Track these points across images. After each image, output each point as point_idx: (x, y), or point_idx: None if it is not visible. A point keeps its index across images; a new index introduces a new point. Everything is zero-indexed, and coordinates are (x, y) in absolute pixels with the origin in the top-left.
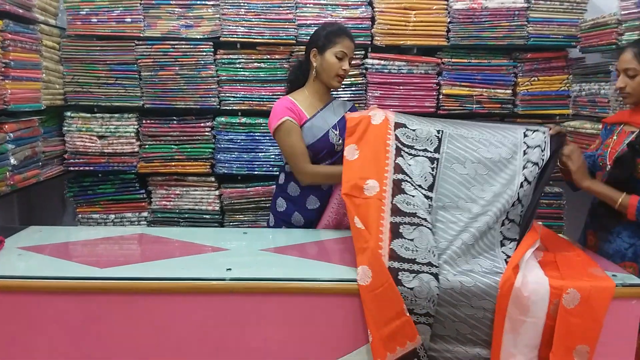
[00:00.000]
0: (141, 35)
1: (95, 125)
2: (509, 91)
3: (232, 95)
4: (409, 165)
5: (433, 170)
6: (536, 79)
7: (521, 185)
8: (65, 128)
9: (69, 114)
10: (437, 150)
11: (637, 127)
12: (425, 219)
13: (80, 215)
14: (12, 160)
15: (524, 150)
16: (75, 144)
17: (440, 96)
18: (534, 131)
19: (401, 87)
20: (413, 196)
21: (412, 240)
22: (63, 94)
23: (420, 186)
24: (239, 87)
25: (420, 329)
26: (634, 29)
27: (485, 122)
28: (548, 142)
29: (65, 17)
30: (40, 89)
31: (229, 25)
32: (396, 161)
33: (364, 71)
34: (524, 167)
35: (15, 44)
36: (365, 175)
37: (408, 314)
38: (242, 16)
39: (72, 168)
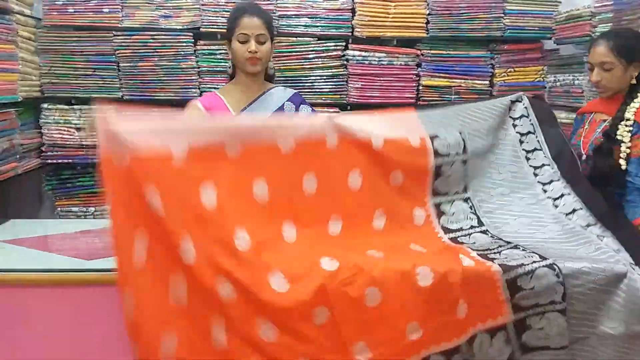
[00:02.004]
0: (119, 25)
1: (73, 117)
2: (487, 82)
3: (213, 86)
4: (448, 176)
5: (465, 171)
6: (512, 70)
7: (527, 159)
8: (43, 120)
9: (46, 105)
10: (464, 150)
11: (609, 115)
12: (471, 227)
13: (59, 209)
14: None
15: (513, 124)
16: (52, 137)
17: (420, 87)
18: (515, 102)
19: (382, 79)
20: (453, 213)
21: (474, 243)
22: (39, 85)
23: (456, 192)
24: (220, 78)
25: None
26: (607, 21)
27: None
28: (529, 108)
29: (41, 7)
30: (17, 80)
31: (209, 16)
32: (434, 185)
33: (345, 62)
34: (520, 142)
35: None
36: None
37: None
38: (222, 6)
39: (50, 161)
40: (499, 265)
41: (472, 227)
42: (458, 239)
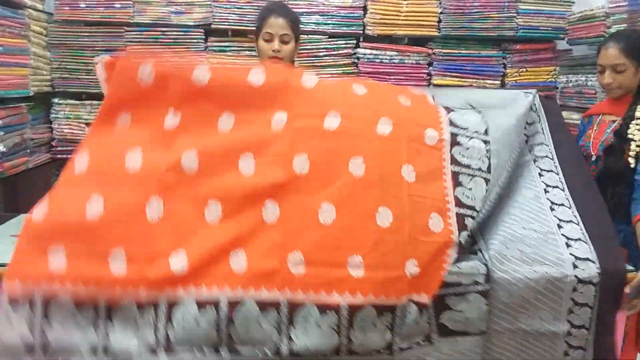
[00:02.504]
0: (130, 21)
1: (84, 112)
2: (498, 82)
3: None
4: (467, 149)
5: (487, 152)
6: (524, 70)
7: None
8: (53, 115)
9: (56, 100)
10: (486, 132)
11: (618, 116)
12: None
13: None
14: (1, 147)
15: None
16: (63, 132)
17: (431, 86)
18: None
19: (392, 77)
20: (470, 189)
21: (470, 189)
22: (50, 80)
23: (480, 169)
24: None
25: None
26: (621, 22)
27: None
28: (538, 103)
29: (52, 1)
30: (28, 75)
31: (221, 13)
32: (451, 152)
33: (355, 61)
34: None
35: (3, 29)
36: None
37: None
38: (233, 3)
39: (60, 156)
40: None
41: (480, 169)
42: (459, 176)
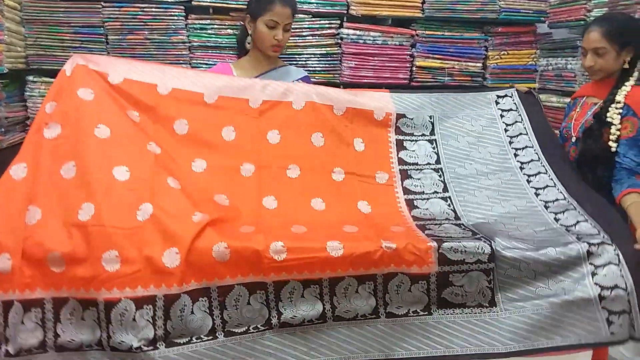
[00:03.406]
0: None
1: None
2: (480, 64)
3: (204, 62)
4: (413, 151)
5: (434, 149)
6: (506, 52)
7: (515, 155)
8: (28, 93)
9: (31, 78)
10: (432, 132)
11: (600, 99)
12: (434, 192)
13: None
14: None
15: (500, 115)
16: (38, 110)
17: (414, 68)
18: (503, 96)
19: (376, 59)
20: (419, 179)
21: (427, 209)
22: (25, 57)
23: (428, 164)
24: (211, 53)
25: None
26: (602, 6)
27: (456, 91)
28: (519, 102)
29: None
30: (2, 51)
31: None
32: (399, 156)
33: (339, 41)
34: (506, 130)
35: None
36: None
37: None
38: None
39: None
40: (430, 235)
41: (435, 192)
42: (414, 201)
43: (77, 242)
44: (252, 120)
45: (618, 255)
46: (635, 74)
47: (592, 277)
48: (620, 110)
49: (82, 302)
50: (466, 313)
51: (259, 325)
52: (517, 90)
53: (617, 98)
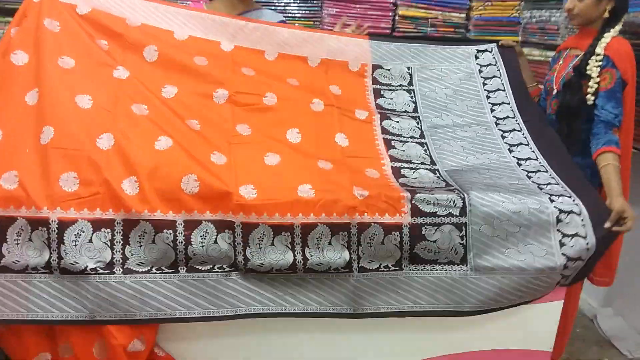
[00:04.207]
0: None
1: None
2: (463, 15)
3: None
4: (391, 99)
5: (412, 98)
6: (490, 3)
7: (492, 110)
8: None
9: None
10: (410, 83)
11: (582, 50)
12: (412, 137)
13: None
14: None
15: (479, 70)
16: None
17: (396, 17)
18: (483, 51)
19: (357, 6)
20: (397, 122)
21: (404, 150)
22: None
23: (405, 112)
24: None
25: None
26: None
27: (437, 43)
28: (499, 57)
29: None
30: None
31: None
32: (377, 102)
33: None
34: (484, 84)
35: None
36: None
37: None
38: None
39: None
40: (403, 185)
41: (412, 137)
42: (392, 141)
43: (35, 162)
44: (224, 59)
45: (584, 226)
46: (617, 26)
47: (560, 247)
48: (600, 63)
49: (31, 222)
50: (437, 270)
51: (224, 266)
52: (497, 45)
53: (597, 50)
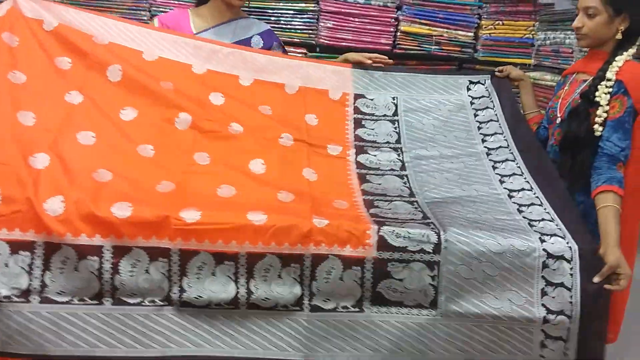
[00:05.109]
0: None
1: None
2: (471, 34)
3: (165, 10)
4: (372, 129)
5: (396, 129)
6: (501, 22)
7: (483, 141)
8: None
9: None
10: (395, 114)
11: (591, 75)
12: (391, 169)
13: None
14: None
15: (470, 102)
16: None
17: (398, 33)
18: (476, 83)
19: (356, 20)
20: (375, 155)
21: (379, 184)
22: None
23: (387, 142)
24: (173, 2)
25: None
26: None
27: (427, 72)
28: (492, 89)
29: None
30: None
31: None
32: (356, 133)
33: None
34: (475, 116)
35: None
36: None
37: None
38: None
39: None
40: (373, 215)
41: (391, 170)
42: (367, 176)
43: None
44: (194, 82)
45: (572, 276)
46: (631, 49)
47: (542, 297)
48: (610, 90)
49: None
50: (403, 313)
51: (156, 299)
52: (492, 75)
53: (608, 75)
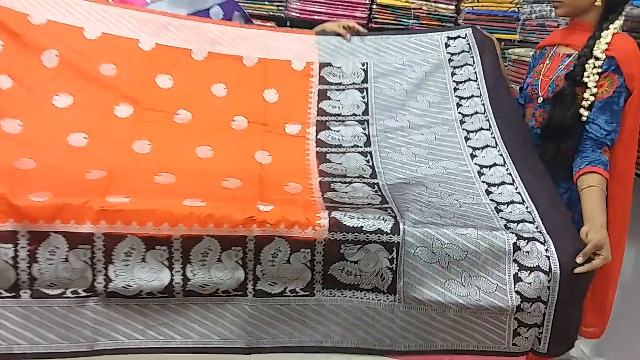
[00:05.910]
0: None
1: None
2: (452, 7)
3: None
4: (338, 100)
5: (364, 98)
6: None
7: (458, 105)
8: None
9: None
10: (364, 81)
11: (575, 48)
12: (354, 146)
13: None
14: None
15: (449, 59)
16: None
17: (374, 6)
18: (455, 38)
19: None
20: (338, 131)
21: (340, 163)
22: None
23: (353, 114)
24: None
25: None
26: None
27: (398, 33)
28: (473, 43)
29: None
30: None
31: None
32: (319, 106)
33: None
34: (453, 75)
35: None
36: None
37: None
38: None
39: None
40: (327, 200)
41: (354, 146)
42: (327, 154)
43: None
44: (140, 61)
45: (549, 258)
46: (618, 20)
47: (515, 284)
48: (599, 70)
49: None
50: (357, 297)
51: (79, 290)
52: (473, 29)
53: (596, 52)
